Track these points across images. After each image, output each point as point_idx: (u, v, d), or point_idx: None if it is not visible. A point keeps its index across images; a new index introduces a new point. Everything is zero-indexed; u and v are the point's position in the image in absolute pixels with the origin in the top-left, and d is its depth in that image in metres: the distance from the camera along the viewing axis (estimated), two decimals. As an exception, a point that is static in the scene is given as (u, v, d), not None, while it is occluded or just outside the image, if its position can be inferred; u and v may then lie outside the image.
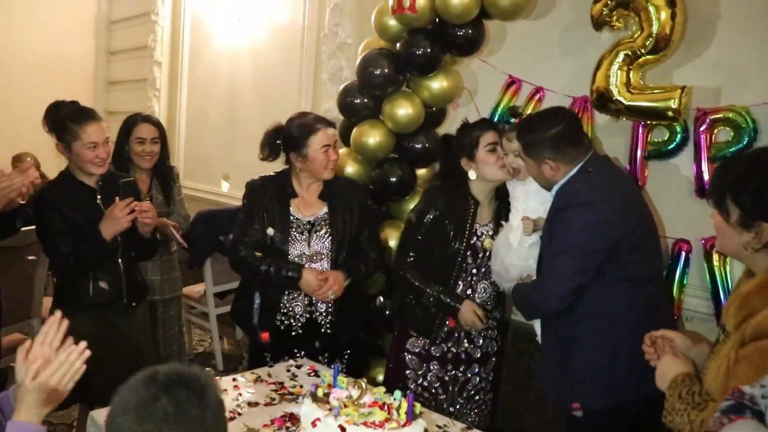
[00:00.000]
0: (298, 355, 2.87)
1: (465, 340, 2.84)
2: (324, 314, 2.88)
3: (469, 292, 2.80)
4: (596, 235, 2.25)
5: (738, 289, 1.65)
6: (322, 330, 2.88)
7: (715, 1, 2.83)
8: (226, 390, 2.32)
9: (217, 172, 5.47)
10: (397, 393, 1.81)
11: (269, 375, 2.50)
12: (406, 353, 2.91)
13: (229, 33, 5.24)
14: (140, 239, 2.88)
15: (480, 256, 2.78)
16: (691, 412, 1.57)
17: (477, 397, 2.90)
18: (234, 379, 2.44)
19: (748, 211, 1.55)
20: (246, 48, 5.12)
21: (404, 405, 1.72)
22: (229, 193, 5.31)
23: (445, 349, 2.85)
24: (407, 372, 2.90)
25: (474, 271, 2.79)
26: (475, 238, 2.78)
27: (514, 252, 2.60)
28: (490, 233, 2.79)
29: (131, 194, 2.81)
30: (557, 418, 3.38)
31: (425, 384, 2.88)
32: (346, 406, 1.74)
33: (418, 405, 1.76)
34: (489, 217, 2.82)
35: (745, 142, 2.64)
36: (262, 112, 5.02)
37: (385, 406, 1.75)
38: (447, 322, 2.80)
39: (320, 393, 1.83)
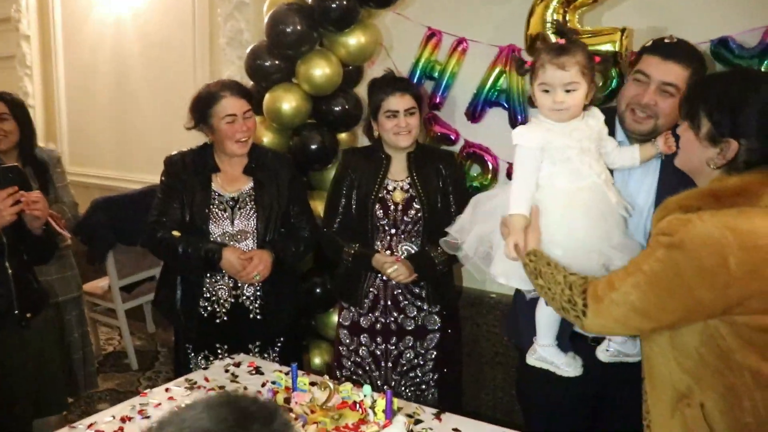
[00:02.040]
0: (219, 351, 2.66)
1: (393, 310, 2.65)
2: (252, 298, 2.66)
3: (387, 253, 2.62)
4: None
5: None
6: (251, 316, 2.67)
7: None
8: (160, 404, 2.01)
9: (109, 155, 4.99)
10: (366, 388, 1.59)
11: (206, 379, 2.22)
12: (339, 328, 2.78)
13: (109, 1, 4.72)
14: (31, 237, 2.45)
15: (391, 209, 2.60)
16: (568, 276, 1.66)
17: (412, 374, 2.71)
18: (167, 389, 2.14)
19: (719, 126, 1.55)
20: (129, 15, 4.64)
21: (380, 402, 1.50)
22: (123, 176, 4.85)
23: (373, 320, 2.68)
24: (341, 348, 2.76)
25: (392, 230, 2.62)
26: (384, 192, 2.61)
27: (612, 216, 1.92)
28: (405, 187, 2.62)
29: (15, 182, 2.36)
30: (506, 380, 3.30)
31: (358, 360, 2.73)
32: (312, 411, 1.51)
33: (395, 400, 1.54)
34: (404, 174, 2.64)
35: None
36: (155, 85, 4.60)
37: (357, 405, 1.52)
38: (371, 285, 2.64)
39: (280, 399, 1.58)
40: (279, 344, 2.77)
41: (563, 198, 1.86)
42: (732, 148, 1.53)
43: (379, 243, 2.63)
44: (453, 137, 3.27)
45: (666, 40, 2.05)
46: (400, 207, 2.61)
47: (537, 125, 1.92)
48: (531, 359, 2.05)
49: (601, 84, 2.79)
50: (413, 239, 2.62)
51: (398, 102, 2.56)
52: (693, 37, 2.56)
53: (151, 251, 2.75)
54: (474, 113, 3.19)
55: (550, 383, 2.05)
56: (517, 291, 2.18)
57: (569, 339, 2.04)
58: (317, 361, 3.32)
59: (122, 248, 4.07)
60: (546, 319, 1.98)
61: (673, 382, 1.56)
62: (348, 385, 1.62)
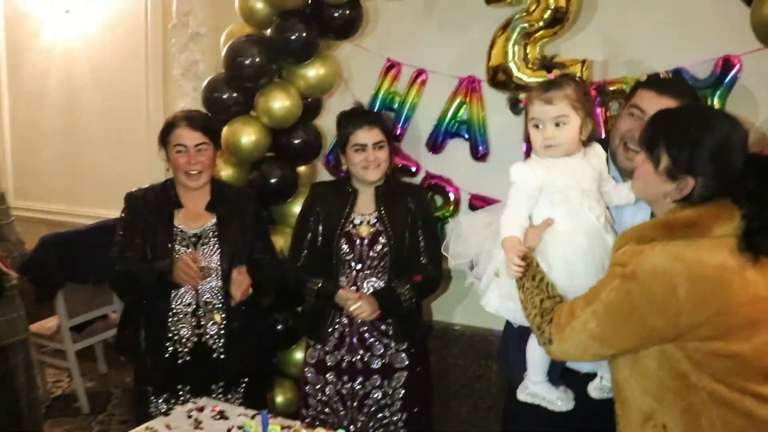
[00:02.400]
0: (181, 392, 2.57)
1: (360, 348, 2.59)
2: (216, 337, 2.58)
3: (353, 289, 2.56)
4: None
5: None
6: (214, 356, 2.58)
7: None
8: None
9: (57, 189, 4.80)
10: (341, 434, 1.53)
11: (168, 426, 2.11)
12: (305, 366, 2.70)
13: (58, 28, 4.58)
14: None
15: (357, 244, 2.55)
16: (545, 300, 1.72)
17: (380, 415, 2.63)
18: (126, 440, 2.03)
19: (678, 163, 1.60)
20: (80, 45, 4.50)
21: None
22: (73, 210, 4.68)
23: (339, 358, 2.61)
24: (307, 387, 2.68)
25: (357, 266, 2.56)
26: (351, 226, 2.56)
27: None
28: (372, 221, 2.57)
29: None
30: (472, 412, 3.27)
31: (324, 399, 2.65)
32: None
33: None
34: (372, 208, 2.59)
35: (639, 114, 2.59)
36: (107, 117, 4.46)
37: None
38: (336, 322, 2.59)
39: (251, 450, 1.50)
40: (243, 384, 2.69)
41: (563, 241, 1.82)
42: (689, 185, 1.59)
43: (344, 278, 2.57)
44: (414, 169, 3.25)
45: (661, 76, 2.08)
46: (366, 242, 2.56)
47: (537, 162, 1.87)
48: (522, 395, 1.99)
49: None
50: (380, 275, 2.56)
51: (366, 135, 2.52)
52: (649, 68, 2.66)
53: (113, 288, 2.65)
54: (435, 144, 3.18)
55: (539, 420, 2.01)
56: (507, 325, 2.14)
57: (560, 374, 2.00)
58: (280, 399, 3.23)
59: (72, 286, 3.90)
60: (537, 355, 1.93)
61: (638, 404, 1.63)
62: (321, 430, 1.55)
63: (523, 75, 2.61)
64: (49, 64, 4.68)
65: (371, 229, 2.56)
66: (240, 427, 1.98)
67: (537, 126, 1.84)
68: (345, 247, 2.56)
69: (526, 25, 2.57)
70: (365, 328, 2.59)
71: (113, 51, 4.35)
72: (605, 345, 1.61)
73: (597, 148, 1.93)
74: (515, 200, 1.85)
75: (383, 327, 2.59)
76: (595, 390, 1.94)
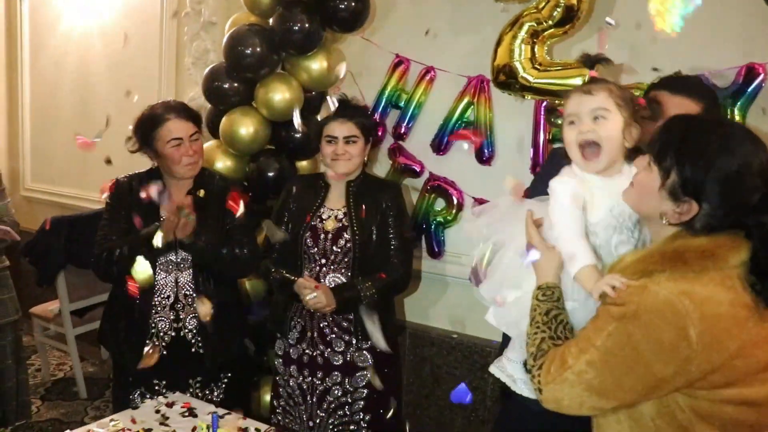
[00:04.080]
0: (157, 386, 2.53)
1: (320, 343, 2.56)
2: (194, 331, 2.55)
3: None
4: None
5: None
6: (192, 350, 2.54)
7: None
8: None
9: (70, 173, 4.82)
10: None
11: (133, 420, 2.05)
12: (276, 357, 2.71)
13: (76, 14, 4.59)
14: None
15: (321, 238, 2.52)
16: (546, 340, 1.49)
17: (341, 412, 2.59)
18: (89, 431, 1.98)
19: (686, 183, 1.38)
20: (96, 31, 4.51)
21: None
22: (86, 195, 4.68)
23: (302, 351, 2.60)
24: (278, 378, 2.70)
25: (321, 260, 2.52)
26: (318, 220, 2.55)
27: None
28: (339, 216, 2.53)
29: None
30: (466, 425, 3.16)
31: (289, 391, 2.65)
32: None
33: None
34: (342, 202, 2.57)
35: (651, 121, 2.45)
36: (119, 103, 4.43)
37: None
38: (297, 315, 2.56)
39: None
40: (225, 380, 2.64)
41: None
42: (692, 210, 1.39)
43: (308, 272, 2.54)
44: (418, 169, 3.15)
45: (675, 75, 1.93)
46: (330, 236, 2.51)
47: (573, 174, 1.59)
48: (493, 368, 1.85)
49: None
50: (343, 270, 2.51)
51: (338, 128, 2.50)
52: (666, 74, 2.50)
53: (97, 274, 2.59)
54: (440, 145, 3.07)
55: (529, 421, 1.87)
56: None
57: None
58: (267, 398, 3.14)
59: (75, 270, 3.89)
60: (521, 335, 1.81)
61: None
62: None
63: (529, 75, 2.50)
64: (67, 49, 4.71)
65: (336, 224, 2.53)
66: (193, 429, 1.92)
67: (572, 122, 1.57)
68: (309, 241, 2.53)
69: (534, 23, 2.44)
70: (325, 323, 2.55)
71: (128, 38, 4.33)
72: (605, 398, 1.38)
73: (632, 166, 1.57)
74: (564, 221, 1.55)
75: (344, 323, 2.55)
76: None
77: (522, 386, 1.79)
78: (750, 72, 2.42)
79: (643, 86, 2.50)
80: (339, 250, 2.51)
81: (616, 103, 1.56)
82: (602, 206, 1.55)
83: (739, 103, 2.44)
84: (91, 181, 4.66)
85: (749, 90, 2.42)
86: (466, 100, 2.99)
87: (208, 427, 1.79)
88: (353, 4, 2.78)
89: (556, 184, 1.59)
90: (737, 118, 2.44)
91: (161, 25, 4.13)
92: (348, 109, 2.57)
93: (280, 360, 2.66)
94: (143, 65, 4.26)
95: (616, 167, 1.58)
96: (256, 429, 2.07)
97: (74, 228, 3.84)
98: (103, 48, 4.49)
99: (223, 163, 3.02)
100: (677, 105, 1.79)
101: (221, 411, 2.17)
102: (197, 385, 2.58)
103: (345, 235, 2.51)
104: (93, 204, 4.35)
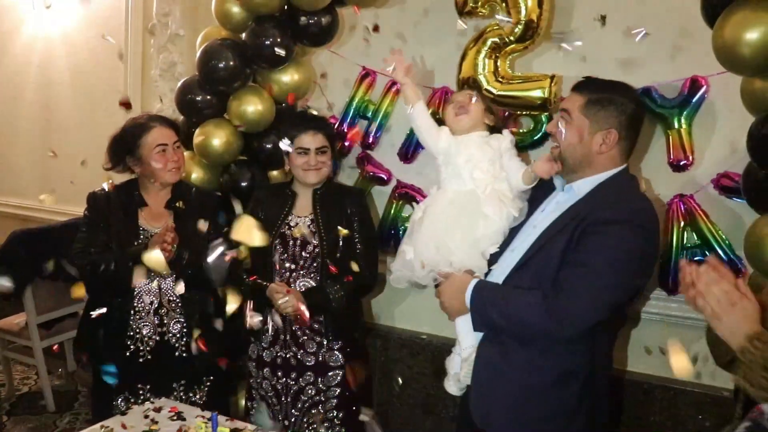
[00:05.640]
0: (141, 391, 2.58)
1: (293, 345, 2.66)
2: (178, 335, 2.61)
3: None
4: (641, 271, 1.93)
5: None
6: (176, 354, 2.61)
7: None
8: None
9: (31, 184, 4.78)
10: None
11: (124, 425, 2.11)
12: (249, 361, 2.79)
13: (39, 23, 4.56)
14: None
15: (290, 245, 2.63)
16: None
17: (314, 411, 2.69)
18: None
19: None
20: (58, 40, 4.49)
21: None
22: (46, 206, 4.65)
23: (275, 354, 2.69)
24: (251, 381, 2.78)
25: (291, 266, 2.63)
26: (286, 227, 2.65)
27: (486, 228, 2.14)
28: (307, 223, 2.65)
29: None
30: (437, 424, 3.27)
31: (262, 393, 2.73)
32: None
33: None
34: (308, 210, 2.68)
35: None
36: (83, 114, 4.46)
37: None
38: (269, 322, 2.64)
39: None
40: (208, 384, 2.71)
41: (446, 196, 2.19)
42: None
43: (278, 278, 2.64)
44: (386, 177, 3.27)
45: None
46: (298, 242, 2.62)
47: (447, 132, 2.32)
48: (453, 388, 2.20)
49: (532, 128, 2.85)
50: (312, 275, 2.62)
51: (310, 140, 2.62)
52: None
53: (83, 278, 2.61)
54: (407, 154, 3.20)
55: None
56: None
57: None
58: (242, 403, 3.21)
59: (42, 283, 3.88)
60: (467, 326, 2.06)
61: None
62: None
63: (493, 88, 2.63)
64: (29, 59, 4.66)
65: (305, 231, 2.63)
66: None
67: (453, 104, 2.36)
68: (279, 247, 2.63)
69: (497, 38, 2.59)
70: (297, 326, 2.64)
71: (92, 49, 4.33)
72: None
73: (504, 134, 2.30)
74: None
75: (316, 326, 2.65)
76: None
77: (448, 382, 2.17)
78: (694, 84, 2.60)
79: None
80: (308, 256, 2.62)
81: (480, 98, 2.36)
82: (459, 145, 2.27)
83: (685, 112, 2.62)
84: (54, 192, 4.64)
85: (693, 100, 2.60)
86: (431, 111, 3.10)
87: (209, 420, 1.85)
88: (323, 19, 2.88)
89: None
90: (684, 126, 2.62)
91: (126, 36, 4.14)
92: (316, 121, 2.70)
93: (254, 363, 2.75)
94: (107, 76, 4.26)
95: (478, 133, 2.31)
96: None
97: (40, 240, 3.83)
98: (67, 57, 4.47)
99: (196, 174, 3.08)
100: (569, 99, 2.07)
101: (208, 413, 2.23)
102: (181, 388, 2.64)
103: (313, 241, 2.62)
104: (57, 216, 4.33)
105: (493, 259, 2.12)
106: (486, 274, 2.11)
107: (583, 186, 1.99)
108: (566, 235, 1.89)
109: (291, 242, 2.63)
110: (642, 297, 2.72)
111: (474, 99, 2.32)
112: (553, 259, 1.90)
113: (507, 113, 2.82)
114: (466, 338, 2.11)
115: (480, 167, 2.18)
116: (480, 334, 2.07)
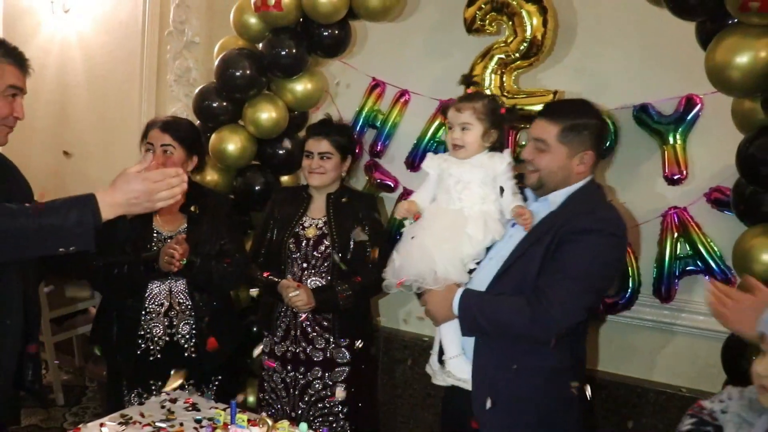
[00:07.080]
0: (154, 387, 2.66)
1: (303, 341, 2.78)
2: (187, 336, 2.68)
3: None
4: (612, 276, 2.16)
5: None
6: (185, 354, 2.68)
7: (573, 10, 2.94)
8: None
9: (46, 185, 4.87)
10: (303, 426, 1.65)
11: (142, 414, 2.22)
12: (262, 354, 2.93)
13: (56, 26, 4.67)
14: None
15: (303, 244, 2.76)
16: None
17: (321, 405, 2.81)
18: (102, 425, 2.13)
19: None
20: (75, 42, 4.60)
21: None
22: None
23: (285, 348, 2.82)
24: (263, 373, 2.90)
25: (303, 264, 2.76)
26: (300, 228, 2.79)
27: (470, 246, 2.20)
28: (320, 225, 2.78)
29: None
30: (437, 421, 3.37)
31: (273, 385, 2.86)
32: (249, 448, 1.56)
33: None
34: (322, 212, 2.81)
35: (606, 145, 2.73)
36: (99, 116, 4.55)
37: (291, 443, 1.58)
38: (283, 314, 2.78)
39: (217, 436, 1.62)
40: (216, 382, 2.79)
41: (435, 212, 2.23)
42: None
43: (291, 275, 2.77)
44: (392, 185, 3.39)
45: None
46: (311, 242, 2.75)
47: (439, 156, 2.32)
48: (439, 380, 2.24)
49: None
50: (323, 274, 2.75)
51: (315, 145, 2.76)
52: (617, 102, 2.80)
53: (92, 284, 2.70)
54: (413, 162, 3.31)
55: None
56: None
57: None
58: (251, 399, 3.32)
59: (53, 280, 4.00)
60: (452, 331, 2.16)
61: None
62: (285, 423, 1.68)
63: (499, 102, 2.75)
64: (46, 61, 4.75)
65: (317, 232, 2.77)
66: (210, 419, 2.09)
67: (450, 128, 2.23)
68: (292, 246, 2.76)
69: (503, 55, 2.72)
70: (307, 322, 2.77)
71: (109, 53, 4.43)
72: None
73: (502, 155, 2.21)
74: (424, 182, 2.32)
75: (324, 322, 2.78)
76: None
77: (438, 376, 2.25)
78: (689, 102, 2.73)
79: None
80: (319, 255, 2.75)
81: (477, 117, 2.18)
82: (451, 168, 2.23)
83: (680, 129, 2.74)
84: (70, 193, 4.71)
85: (689, 118, 2.73)
86: (438, 122, 3.22)
87: (225, 410, 1.96)
88: (336, 32, 3.01)
89: (427, 159, 2.32)
90: (679, 142, 2.75)
91: (142, 42, 4.24)
92: (324, 128, 2.81)
93: (266, 356, 2.88)
94: (123, 79, 4.37)
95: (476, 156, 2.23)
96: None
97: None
98: (83, 61, 4.57)
99: (211, 177, 3.20)
100: (541, 128, 2.13)
101: (221, 405, 2.34)
102: (189, 387, 2.68)
103: (325, 242, 2.75)
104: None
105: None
106: (466, 282, 2.22)
107: (557, 197, 2.13)
108: (544, 244, 2.03)
109: (304, 242, 2.76)
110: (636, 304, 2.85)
111: (469, 127, 2.21)
112: (533, 267, 2.04)
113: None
114: (451, 346, 2.21)
115: (469, 188, 2.20)
116: (464, 341, 2.18)
